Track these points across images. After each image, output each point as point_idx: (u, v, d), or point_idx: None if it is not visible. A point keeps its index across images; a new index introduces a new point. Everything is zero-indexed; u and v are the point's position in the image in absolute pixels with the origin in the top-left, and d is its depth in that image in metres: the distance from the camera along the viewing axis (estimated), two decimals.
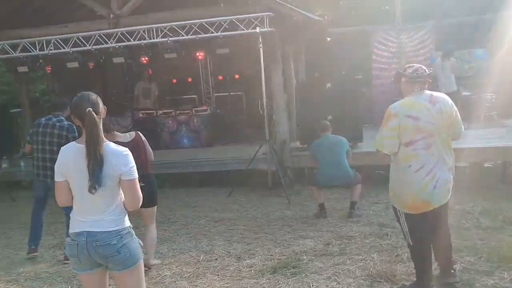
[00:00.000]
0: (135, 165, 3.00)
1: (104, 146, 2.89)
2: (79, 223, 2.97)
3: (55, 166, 2.98)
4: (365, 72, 11.27)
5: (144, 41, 8.33)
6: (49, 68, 9.05)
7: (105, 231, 2.93)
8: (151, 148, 5.19)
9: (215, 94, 12.71)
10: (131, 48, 8.66)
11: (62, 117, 5.72)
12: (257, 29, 7.91)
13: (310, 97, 8.85)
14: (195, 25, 8.26)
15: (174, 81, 13.09)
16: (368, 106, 11.36)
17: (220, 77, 12.91)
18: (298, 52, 9.46)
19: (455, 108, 3.74)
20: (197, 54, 8.87)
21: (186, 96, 12.55)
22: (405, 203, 3.67)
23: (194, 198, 8.67)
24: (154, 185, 5.16)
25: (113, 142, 4.82)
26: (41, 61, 8.88)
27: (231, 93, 12.09)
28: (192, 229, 6.63)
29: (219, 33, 8.08)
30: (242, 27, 8.03)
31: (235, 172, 8.94)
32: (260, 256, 5.24)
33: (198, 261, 5.26)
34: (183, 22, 8.23)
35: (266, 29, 7.92)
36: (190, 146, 10.71)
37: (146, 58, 8.72)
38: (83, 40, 8.51)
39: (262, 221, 6.80)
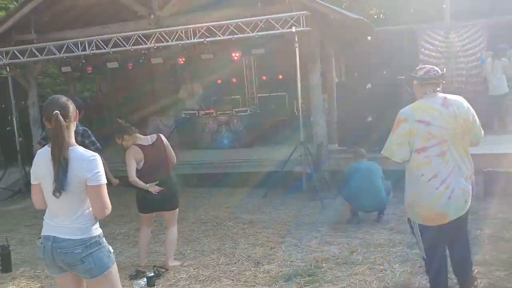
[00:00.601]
0: (103, 172, 2.88)
1: (68, 150, 2.81)
2: (48, 226, 2.96)
3: (31, 170, 2.99)
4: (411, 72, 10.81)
5: (181, 42, 8.36)
6: (90, 68, 9.28)
7: (69, 239, 2.87)
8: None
9: (258, 95, 12.62)
10: (169, 48, 8.71)
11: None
12: (293, 29, 7.75)
13: (349, 98, 8.61)
14: (231, 25, 8.20)
15: (219, 81, 13.10)
16: None
17: (264, 78, 12.81)
18: (338, 52, 9.22)
19: (472, 111, 3.45)
20: (233, 54, 8.78)
21: (230, 97, 12.54)
22: (419, 214, 3.42)
23: (229, 198, 8.62)
24: (175, 188, 5.17)
25: (134, 144, 4.97)
26: (83, 61, 9.12)
27: (274, 94, 11.97)
28: (220, 231, 6.58)
29: (254, 33, 7.97)
30: (278, 27, 7.89)
31: (272, 174, 8.83)
32: (279, 262, 5.10)
33: (217, 264, 5.19)
34: (220, 23, 8.19)
35: (302, 28, 7.74)
36: (230, 147, 10.69)
37: (183, 59, 8.75)
38: (122, 41, 8.65)
39: (292, 225, 6.65)
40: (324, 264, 4.90)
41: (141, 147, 4.96)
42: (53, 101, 2.91)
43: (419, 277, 4.30)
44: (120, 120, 5.24)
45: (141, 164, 4.94)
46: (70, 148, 2.82)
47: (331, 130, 9.36)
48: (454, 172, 3.31)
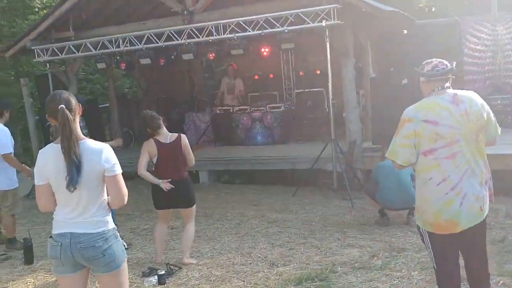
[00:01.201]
0: (117, 161, 2.92)
1: (78, 144, 2.82)
2: (61, 223, 2.92)
3: (34, 170, 2.95)
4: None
5: (211, 38, 8.30)
6: (123, 64, 9.37)
7: (90, 233, 2.87)
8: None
9: (296, 91, 12.39)
10: (200, 44, 8.68)
11: None
12: (323, 23, 7.52)
13: (384, 93, 8.27)
14: (261, 20, 8.06)
15: (256, 77, 12.97)
16: None
17: (301, 73, 12.56)
18: (373, 46, 8.88)
19: (487, 108, 3.11)
20: (263, 49, 8.62)
21: (267, 93, 12.39)
22: (427, 221, 3.13)
23: (259, 196, 8.53)
24: (189, 188, 5.12)
25: (152, 138, 4.95)
26: (118, 57, 9.24)
27: (311, 90, 11.70)
28: (243, 229, 6.48)
29: (284, 28, 7.80)
30: (308, 21, 7.68)
31: (303, 172, 8.64)
32: (294, 264, 4.94)
33: (232, 264, 5.09)
34: (249, 18, 8.07)
35: (332, 22, 7.50)
36: (263, 143, 10.54)
37: (213, 54, 8.69)
38: (155, 37, 8.68)
39: (317, 226, 6.46)
40: (339, 268, 4.70)
41: (158, 143, 4.94)
42: (55, 97, 2.91)
43: (436, 286, 4.03)
44: (147, 112, 5.16)
45: (155, 159, 4.94)
46: (79, 141, 2.84)
47: (366, 127, 9.06)
48: (467, 176, 2.99)
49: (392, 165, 6.32)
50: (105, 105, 12.56)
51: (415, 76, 7.94)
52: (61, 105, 2.82)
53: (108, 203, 2.97)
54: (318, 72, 12.12)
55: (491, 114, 3.16)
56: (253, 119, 10.60)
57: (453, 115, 3.00)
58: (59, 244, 2.89)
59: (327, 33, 7.61)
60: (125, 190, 2.94)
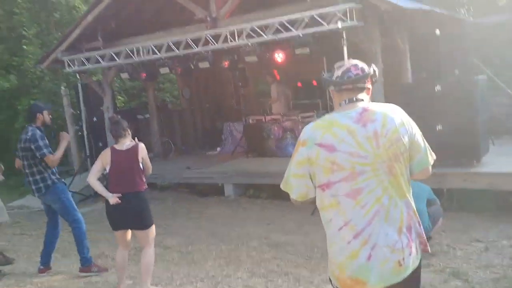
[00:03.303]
0: None
1: None
2: None
3: None
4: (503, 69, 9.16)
5: (227, 44, 7.86)
6: (144, 75, 9.19)
7: None
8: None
9: None
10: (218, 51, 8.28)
11: (31, 127, 5.42)
12: (339, 24, 6.81)
13: (416, 102, 7.35)
14: (279, 25, 7.49)
15: (299, 84, 12.35)
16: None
17: None
18: (403, 49, 7.98)
19: (413, 127, 2.36)
20: (277, 55, 8.03)
21: (309, 101, 11.72)
22: (333, 274, 2.40)
23: (276, 213, 7.90)
24: (143, 206, 4.61)
25: (111, 147, 4.61)
26: (138, 67, 9.09)
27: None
28: (236, 252, 5.94)
29: (298, 31, 7.18)
30: (324, 23, 7.00)
31: None
32: None
33: None
34: (262, 22, 7.55)
35: (349, 23, 6.77)
36: None
37: (227, 62, 8.23)
38: (173, 46, 8.40)
39: (318, 252, 5.71)
40: None
41: (113, 150, 4.59)
42: None
43: None
44: (114, 117, 4.83)
45: (107, 168, 4.59)
46: None
47: None
48: (378, 220, 2.24)
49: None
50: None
51: (451, 83, 7.01)
52: None
53: None
54: None
55: (418, 136, 2.38)
56: (284, 129, 10.01)
57: (355, 138, 2.27)
58: None
59: (344, 36, 6.89)
60: None
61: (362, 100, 2.39)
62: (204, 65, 8.26)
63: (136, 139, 4.69)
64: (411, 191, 2.36)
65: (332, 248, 2.37)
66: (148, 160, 4.65)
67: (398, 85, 7.72)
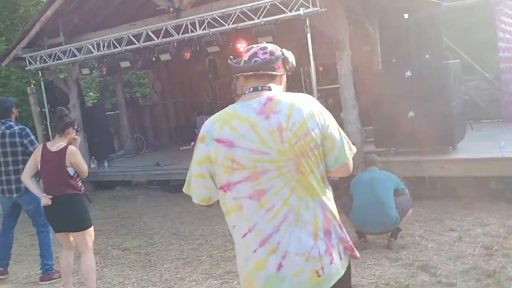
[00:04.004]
0: None
1: None
2: None
3: None
4: (488, 54, 8.94)
5: (187, 35, 7.53)
6: (104, 69, 8.84)
7: None
8: None
9: (317, 88, 11.28)
10: (179, 43, 7.96)
11: (11, 123, 5.12)
12: (301, 11, 6.51)
13: (386, 89, 7.10)
14: (240, 13, 7.17)
15: None
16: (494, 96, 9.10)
17: (321, 68, 11.45)
18: (373, 35, 7.71)
19: (325, 119, 2.03)
20: (239, 45, 7.72)
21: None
22: (242, 285, 2.09)
23: None
24: (75, 207, 4.29)
25: (44, 144, 4.31)
26: (94, 62, 8.80)
27: (329, 87, 10.61)
28: (195, 252, 5.65)
29: (260, 20, 6.87)
30: (287, 11, 6.70)
31: None
32: None
33: None
34: (222, 11, 7.23)
35: (311, 9, 6.47)
36: None
37: (189, 53, 7.91)
38: (133, 39, 8.07)
39: None
40: None
41: (44, 149, 4.30)
42: None
43: None
44: (59, 110, 4.50)
45: (39, 166, 4.31)
46: None
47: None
48: (287, 225, 1.94)
49: (370, 177, 5.33)
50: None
51: (421, 67, 6.75)
52: None
53: None
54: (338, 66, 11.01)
55: (333, 129, 2.05)
56: None
57: (257, 132, 1.96)
58: None
59: (307, 23, 6.59)
60: None
61: (270, 88, 2.07)
62: (165, 57, 7.92)
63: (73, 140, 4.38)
64: (327, 190, 2.05)
65: (238, 258, 2.06)
66: (80, 165, 4.29)
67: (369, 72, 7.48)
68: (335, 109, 9.66)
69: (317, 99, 7.88)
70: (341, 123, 7.70)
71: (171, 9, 8.38)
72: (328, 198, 2.04)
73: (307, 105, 2.02)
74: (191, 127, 12.04)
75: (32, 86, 10.68)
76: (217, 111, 2.15)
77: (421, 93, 6.78)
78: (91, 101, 15.31)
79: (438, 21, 6.85)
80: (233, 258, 5.25)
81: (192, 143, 11.44)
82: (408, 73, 6.88)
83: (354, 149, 2.13)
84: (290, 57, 2.14)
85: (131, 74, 16.05)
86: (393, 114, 7.01)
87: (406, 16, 6.80)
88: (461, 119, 7.31)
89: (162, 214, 7.58)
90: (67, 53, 8.96)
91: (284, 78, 2.18)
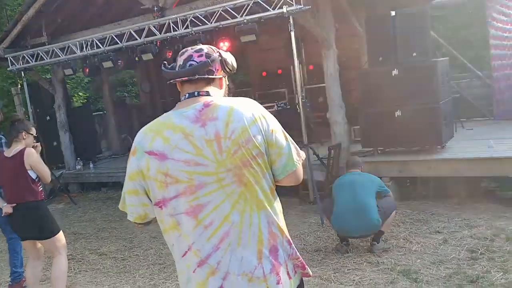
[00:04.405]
0: None
1: None
2: None
3: None
4: (479, 52, 8.78)
5: (169, 34, 7.37)
6: (87, 69, 8.67)
7: None
8: None
9: (306, 87, 11.13)
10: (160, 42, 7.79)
11: None
12: (284, 9, 6.35)
13: (373, 88, 6.94)
14: (223, 11, 7.00)
15: (264, 74, 11.90)
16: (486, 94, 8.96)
17: (311, 67, 11.29)
18: (361, 33, 7.55)
19: (269, 124, 1.85)
20: (222, 44, 7.54)
21: (275, 90, 11.26)
22: None
23: None
24: (38, 215, 4.13)
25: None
26: (79, 62, 8.62)
27: (319, 85, 10.44)
28: (172, 256, 5.47)
29: (242, 18, 6.70)
30: (269, 8, 6.54)
31: None
32: None
33: None
34: (204, 9, 7.06)
35: (295, 7, 6.30)
36: None
37: (171, 53, 7.73)
38: (116, 39, 7.90)
39: None
40: None
41: (1, 158, 4.15)
42: None
43: None
44: (16, 116, 4.37)
45: None
46: None
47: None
48: (228, 243, 1.77)
49: (352, 179, 5.17)
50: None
51: (408, 66, 6.58)
52: None
53: None
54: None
55: (278, 135, 1.87)
56: None
57: (192, 142, 1.78)
58: None
59: (291, 21, 6.42)
60: None
61: (207, 93, 1.89)
62: (148, 57, 7.74)
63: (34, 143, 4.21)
64: (275, 202, 1.88)
65: (180, 277, 1.89)
66: (41, 167, 4.12)
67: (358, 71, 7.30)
68: (326, 108, 9.58)
69: (305, 98, 7.79)
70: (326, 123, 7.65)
71: (155, 8, 8.22)
72: (276, 211, 1.86)
73: (248, 109, 1.83)
74: None
75: (17, 86, 10.51)
76: None
77: (408, 92, 6.62)
78: (81, 101, 15.13)
79: (425, 18, 6.66)
80: None
81: None
82: (395, 72, 6.71)
83: (303, 154, 1.95)
84: (229, 58, 1.96)
85: (125, 73, 15.88)
86: (380, 113, 6.86)
87: (393, 13, 6.62)
88: (450, 117, 7.15)
89: None
90: (50, 53, 8.78)
91: (225, 81, 2.00)
